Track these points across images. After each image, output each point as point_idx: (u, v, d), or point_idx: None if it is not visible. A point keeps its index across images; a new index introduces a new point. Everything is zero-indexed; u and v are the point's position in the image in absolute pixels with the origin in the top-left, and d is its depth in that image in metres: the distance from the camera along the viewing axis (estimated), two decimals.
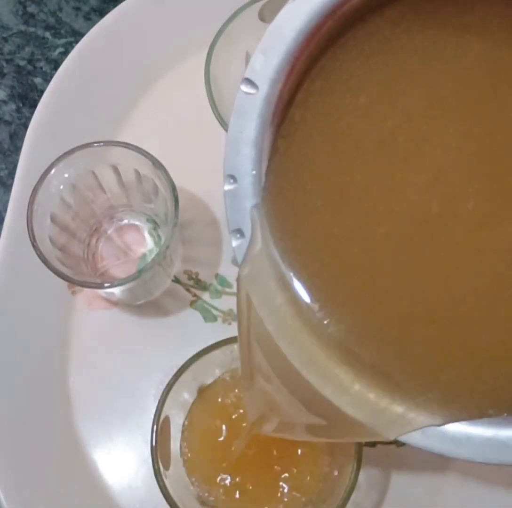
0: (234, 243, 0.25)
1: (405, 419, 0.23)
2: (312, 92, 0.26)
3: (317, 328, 0.24)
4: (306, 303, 0.25)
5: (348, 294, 0.25)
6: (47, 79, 0.48)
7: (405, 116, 0.26)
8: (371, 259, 0.25)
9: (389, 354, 0.24)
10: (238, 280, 0.25)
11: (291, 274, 0.25)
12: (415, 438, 0.24)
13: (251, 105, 0.25)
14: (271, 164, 0.26)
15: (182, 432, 0.37)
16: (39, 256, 0.36)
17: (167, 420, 0.36)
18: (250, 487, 0.36)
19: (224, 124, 0.37)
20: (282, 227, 0.25)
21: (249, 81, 0.25)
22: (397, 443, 0.40)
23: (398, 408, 0.23)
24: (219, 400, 0.37)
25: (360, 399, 0.23)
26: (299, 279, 0.25)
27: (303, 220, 0.26)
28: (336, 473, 0.36)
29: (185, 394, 0.38)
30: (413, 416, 0.23)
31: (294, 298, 0.25)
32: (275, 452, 0.36)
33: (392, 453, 0.40)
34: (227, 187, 0.26)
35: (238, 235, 0.25)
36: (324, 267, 0.25)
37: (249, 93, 0.25)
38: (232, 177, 0.26)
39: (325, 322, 0.25)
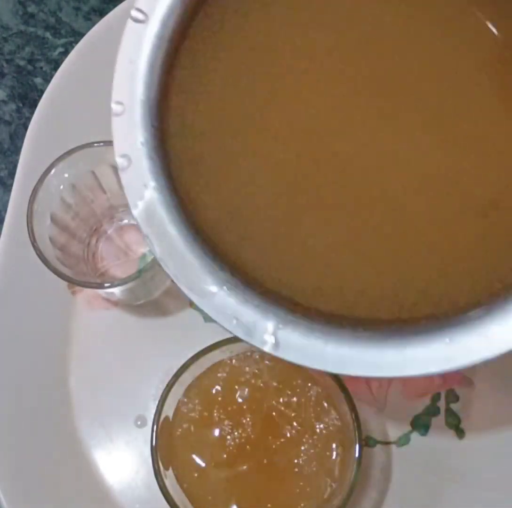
0: (120, 166, 0.26)
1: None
2: (206, 24, 0.27)
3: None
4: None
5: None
6: (47, 79, 0.48)
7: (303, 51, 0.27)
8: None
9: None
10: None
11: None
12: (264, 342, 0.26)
13: (141, 33, 0.25)
14: (164, 94, 0.26)
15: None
16: (39, 256, 0.36)
17: (167, 420, 0.36)
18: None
19: None
20: (178, 162, 0.27)
21: (139, 10, 0.25)
22: (397, 443, 0.40)
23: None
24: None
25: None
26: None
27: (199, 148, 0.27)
28: (336, 473, 0.36)
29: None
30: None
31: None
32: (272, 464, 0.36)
33: (392, 453, 0.40)
34: (115, 108, 0.26)
35: (126, 163, 0.26)
36: (211, 187, 0.27)
37: (139, 21, 0.25)
38: (120, 104, 0.26)
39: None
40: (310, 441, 0.36)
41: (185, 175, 0.27)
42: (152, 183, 0.26)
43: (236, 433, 0.36)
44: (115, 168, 0.39)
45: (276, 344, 0.25)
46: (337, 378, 0.35)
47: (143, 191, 0.26)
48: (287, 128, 0.27)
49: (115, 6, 0.46)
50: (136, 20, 0.25)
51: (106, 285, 0.36)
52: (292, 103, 0.27)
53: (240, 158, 0.27)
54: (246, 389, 0.37)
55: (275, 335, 0.25)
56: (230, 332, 0.25)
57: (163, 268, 0.26)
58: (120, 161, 0.26)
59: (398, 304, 0.26)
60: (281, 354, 0.25)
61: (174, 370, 0.36)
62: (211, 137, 0.27)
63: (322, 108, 0.27)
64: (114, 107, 0.26)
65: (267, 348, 0.25)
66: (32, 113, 0.44)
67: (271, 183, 0.27)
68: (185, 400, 0.37)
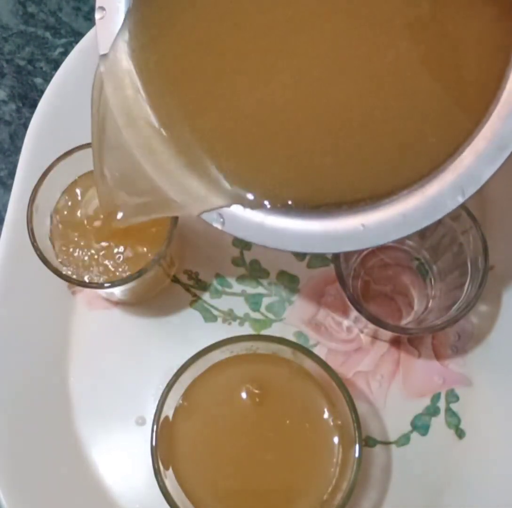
0: (97, 15, 0.30)
1: (206, 200, 0.30)
2: None
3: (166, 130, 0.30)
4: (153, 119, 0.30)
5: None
6: (47, 79, 0.48)
7: None
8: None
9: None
10: (96, 74, 0.32)
11: (145, 96, 0.30)
12: (214, 219, 0.31)
13: None
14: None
15: None
16: (39, 256, 0.36)
17: (167, 420, 0.36)
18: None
19: None
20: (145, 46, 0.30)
21: None
22: (397, 443, 0.40)
23: (202, 190, 0.30)
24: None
25: (179, 183, 0.30)
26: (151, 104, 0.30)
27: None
28: (337, 473, 0.36)
29: None
30: (211, 199, 0.30)
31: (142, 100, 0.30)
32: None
33: (392, 453, 0.40)
34: (98, 16, 0.30)
35: (103, 14, 0.30)
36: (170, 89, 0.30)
37: None
38: (102, 9, 0.30)
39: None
40: (310, 441, 0.36)
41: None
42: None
43: (235, 433, 0.36)
44: None
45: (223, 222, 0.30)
46: (337, 378, 0.35)
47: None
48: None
49: None
50: None
51: (106, 285, 0.36)
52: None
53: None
54: (246, 389, 0.37)
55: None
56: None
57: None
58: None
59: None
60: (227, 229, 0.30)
61: (174, 370, 0.36)
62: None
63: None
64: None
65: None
66: (32, 113, 0.44)
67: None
68: (185, 404, 0.37)
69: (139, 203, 0.33)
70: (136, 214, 0.34)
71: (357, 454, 0.34)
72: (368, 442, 0.40)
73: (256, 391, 0.37)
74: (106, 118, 0.32)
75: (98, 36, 0.30)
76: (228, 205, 0.30)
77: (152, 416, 0.35)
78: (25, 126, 0.45)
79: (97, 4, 0.30)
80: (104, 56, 0.31)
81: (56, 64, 0.49)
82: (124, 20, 0.30)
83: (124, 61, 0.30)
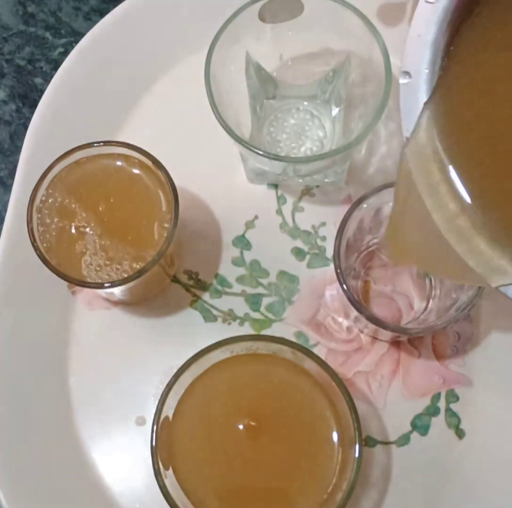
0: (402, 80, 0.29)
1: (508, 273, 0.28)
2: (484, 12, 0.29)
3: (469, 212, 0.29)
4: (462, 194, 0.29)
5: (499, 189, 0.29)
6: (47, 79, 0.48)
7: None
8: None
9: None
10: (402, 154, 0.29)
11: (450, 165, 0.29)
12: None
13: (431, 13, 0.29)
14: (445, 70, 0.29)
15: None
16: (39, 256, 0.36)
17: (167, 420, 0.36)
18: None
19: (224, 124, 0.37)
20: (447, 127, 0.29)
21: None
22: (397, 443, 0.40)
23: (503, 262, 0.28)
24: None
25: (480, 254, 0.29)
26: (457, 172, 0.29)
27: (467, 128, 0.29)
28: (337, 473, 0.36)
29: None
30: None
31: (449, 181, 0.29)
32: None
33: (392, 453, 0.40)
34: (403, 81, 0.29)
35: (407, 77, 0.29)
36: (483, 170, 0.29)
37: (429, 2, 0.29)
38: (408, 74, 0.29)
39: (475, 210, 0.29)
40: (310, 441, 0.36)
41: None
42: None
43: (235, 433, 0.36)
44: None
45: None
46: (337, 378, 0.35)
47: None
48: None
49: (115, 6, 0.46)
50: (427, 1, 0.29)
51: (106, 285, 0.36)
52: None
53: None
54: (246, 389, 0.37)
55: None
56: None
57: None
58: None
59: None
60: None
61: (174, 370, 0.36)
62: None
63: None
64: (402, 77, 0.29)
65: None
66: (32, 113, 0.44)
67: None
68: (185, 404, 0.37)
69: (432, 261, 0.32)
70: (424, 267, 0.34)
71: (357, 454, 0.34)
72: (368, 442, 0.40)
73: (257, 391, 0.37)
74: (410, 192, 0.30)
75: (402, 104, 0.29)
76: None
77: (152, 416, 0.35)
78: (25, 126, 0.45)
79: (403, 68, 0.29)
80: (409, 139, 0.29)
81: (56, 64, 0.49)
82: (432, 94, 0.29)
83: (427, 142, 0.29)
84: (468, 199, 0.28)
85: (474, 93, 0.29)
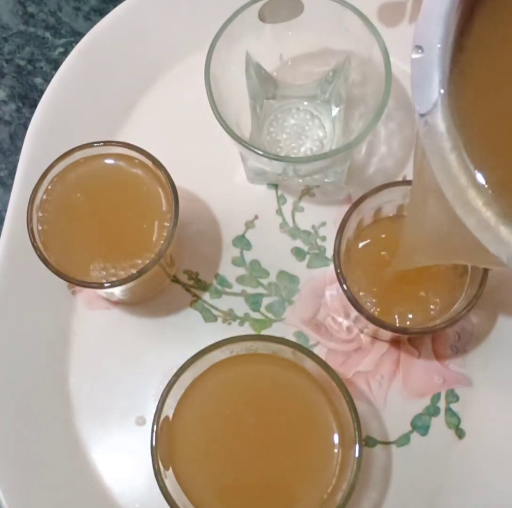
0: (414, 55, 0.28)
1: None
2: None
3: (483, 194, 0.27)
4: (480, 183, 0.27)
5: None
6: (47, 79, 0.48)
7: None
8: None
9: None
10: (417, 136, 0.28)
11: (468, 157, 0.27)
12: None
13: None
14: (460, 49, 0.28)
15: None
16: (39, 256, 0.36)
17: (167, 420, 0.36)
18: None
19: (224, 124, 0.37)
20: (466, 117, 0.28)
21: None
22: (397, 443, 0.40)
23: None
24: None
25: (495, 230, 0.27)
26: (474, 163, 0.27)
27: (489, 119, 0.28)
28: (337, 473, 0.36)
29: None
30: None
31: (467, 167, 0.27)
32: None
33: (392, 453, 0.40)
34: (414, 55, 0.28)
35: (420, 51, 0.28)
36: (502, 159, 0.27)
37: None
38: (420, 48, 0.28)
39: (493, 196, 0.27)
40: (310, 441, 0.36)
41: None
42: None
43: (236, 433, 0.36)
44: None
45: None
46: (337, 378, 0.35)
47: None
48: None
49: (115, 6, 0.46)
50: None
51: (106, 285, 0.36)
52: None
53: None
54: (246, 389, 0.37)
55: None
56: None
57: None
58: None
59: None
60: None
61: (174, 370, 0.36)
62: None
63: None
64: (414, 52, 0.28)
65: None
66: (32, 113, 0.44)
67: None
68: (185, 404, 0.37)
69: (445, 248, 0.32)
70: (436, 258, 0.33)
71: (357, 454, 0.34)
72: (368, 442, 0.40)
73: (257, 391, 0.37)
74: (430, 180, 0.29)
75: (414, 79, 0.28)
76: None
77: (152, 416, 0.35)
78: (25, 126, 0.45)
79: (415, 43, 0.28)
80: (424, 115, 0.28)
81: (56, 64, 0.49)
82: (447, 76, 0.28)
83: (441, 121, 0.28)
84: (482, 180, 0.27)
85: (492, 75, 0.28)
